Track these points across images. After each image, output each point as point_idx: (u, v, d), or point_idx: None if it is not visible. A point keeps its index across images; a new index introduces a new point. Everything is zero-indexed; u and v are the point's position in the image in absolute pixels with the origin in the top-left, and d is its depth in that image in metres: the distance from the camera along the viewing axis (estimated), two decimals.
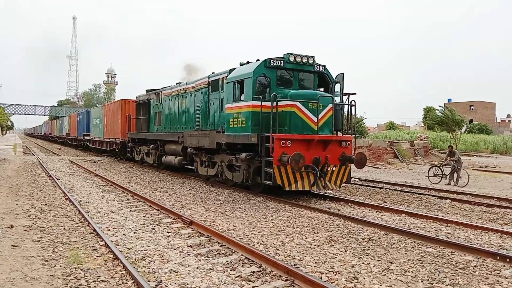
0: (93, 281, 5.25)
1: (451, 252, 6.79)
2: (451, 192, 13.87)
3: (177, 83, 18.00)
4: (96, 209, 9.91)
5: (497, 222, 9.38)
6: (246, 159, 11.50)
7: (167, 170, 18.76)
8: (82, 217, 8.89)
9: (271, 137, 10.53)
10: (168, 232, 7.82)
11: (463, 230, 8.37)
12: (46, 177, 16.04)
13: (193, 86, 15.80)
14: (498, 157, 36.57)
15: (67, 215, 9.15)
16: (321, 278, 5.45)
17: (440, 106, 39.49)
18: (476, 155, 37.19)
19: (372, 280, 5.42)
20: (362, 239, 7.54)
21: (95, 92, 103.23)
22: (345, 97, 12.66)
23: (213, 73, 14.40)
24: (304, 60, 11.90)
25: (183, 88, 16.77)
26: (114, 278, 5.41)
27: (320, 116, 11.06)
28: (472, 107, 79.76)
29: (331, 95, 11.85)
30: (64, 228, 7.96)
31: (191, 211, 9.79)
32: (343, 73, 12.52)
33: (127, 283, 5.23)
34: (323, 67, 12.35)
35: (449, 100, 77.05)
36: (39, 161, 23.00)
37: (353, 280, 5.43)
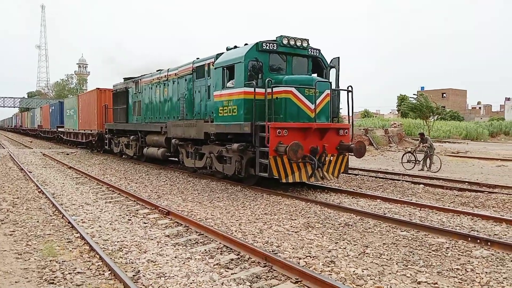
0: (69, 273, 5.17)
1: (425, 235, 6.96)
2: (424, 177, 14.18)
3: (157, 70, 17.03)
4: (70, 201, 9.74)
5: (468, 205, 9.65)
6: (238, 150, 10.84)
7: (148, 163, 17.87)
8: (56, 210, 8.72)
9: (266, 126, 9.89)
10: (145, 223, 7.76)
11: (436, 213, 8.58)
12: (18, 170, 15.64)
13: (175, 73, 14.97)
14: (470, 143, 37.55)
15: (41, 208, 8.96)
16: (298, 263, 5.51)
17: (414, 94, 40.21)
18: (449, 141, 38.10)
19: (348, 264, 5.52)
20: (339, 224, 7.64)
21: (67, 82, 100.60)
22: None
23: (197, 58, 13.57)
24: (298, 43, 11.25)
25: (165, 76, 15.91)
26: (90, 269, 5.34)
27: (317, 103, 10.45)
28: (444, 94, 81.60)
29: (328, 81, 11.36)
30: (38, 221, 7.79)
31: (168, 202, 9.73)
32: (339, 57, 11.89)
33: (104, 274, 5.17)
34: (317, 51, 11.76)
35: (422, 88, 78.44)
36: (10, 154, 22.39)
37: (330, 264, 5.51)
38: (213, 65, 12.18)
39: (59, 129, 32.78)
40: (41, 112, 42.70)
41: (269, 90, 10.06)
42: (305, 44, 11.40)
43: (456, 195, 10.82)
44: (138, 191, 11.20)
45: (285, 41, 11.07)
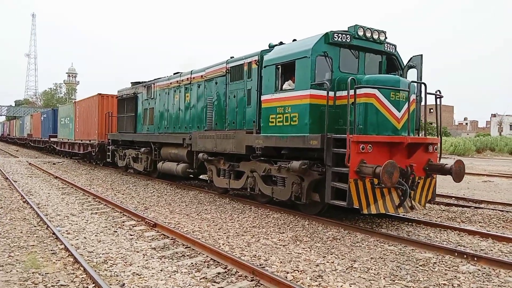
0: (51, 286, 5.07)
1: (412, 249, 6.97)
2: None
3: (175, 73, 14.91)
4: (55, 212, 9.59)
5: (455, 220, 9.70)
6: (300, 169, 8.69)
7: (163, 179, 15.62)
8: (41, 220, 8.58)
9: (348, 139, 7.62)
10: (131, 235, 7.66)
11: (423, 228, 8.60)
12: (2, 180, 15.40)
13: (202, 75, 12.73)
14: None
15: (25, 219, 8.80)
16: (286, 277, 5.47)
17: None
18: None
19: (336, 278, 5.49)
20: (327, 238, 7.62)
21: (55, 92, 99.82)
22: None
23: (232, 57, 11.47)
24: (375, 36, 9.19)
25: (187, 78, 13.64)
26: (74, 282, 5.24)
27: (403, 110, 8.34)
28: (431, 110, 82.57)
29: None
30: (21, 232, 7.65)
31: (155, 213, 9.63)
32: (421, 55, 9.69)
33: (88, 287, 5.08)
34: (393, 46, 9.71)
35: None
36: None
37: (317, 278, 5.48)
38: (256, 64, 10.29)
39: (51, 139, 30.72)
40: (31, 120, 40.94)
41: (351, 92, 7.81)
42: (382, 38, 9.34)
43: (443, 210, 10.87)
44: (125, 202, 11.08)
45: (360, 32, 9.01)
